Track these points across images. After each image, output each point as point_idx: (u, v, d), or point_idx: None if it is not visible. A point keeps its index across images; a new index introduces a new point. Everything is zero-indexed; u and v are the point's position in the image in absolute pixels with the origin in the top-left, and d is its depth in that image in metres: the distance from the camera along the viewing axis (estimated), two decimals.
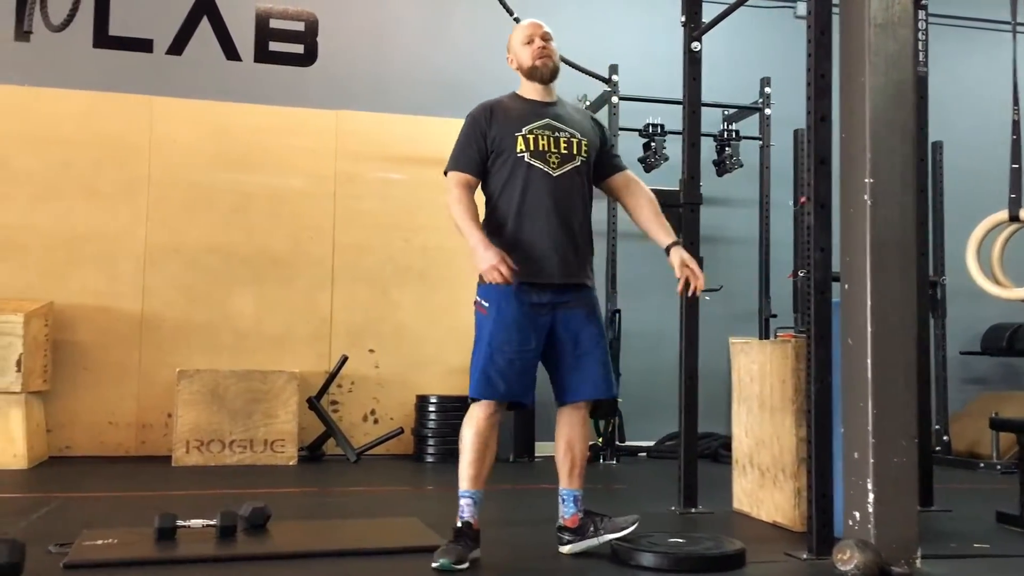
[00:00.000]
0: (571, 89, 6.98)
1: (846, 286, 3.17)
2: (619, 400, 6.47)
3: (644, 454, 6.96)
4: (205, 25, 6.75)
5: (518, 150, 3.26)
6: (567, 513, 3.44)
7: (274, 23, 6.91)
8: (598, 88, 6.95)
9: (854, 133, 3.15)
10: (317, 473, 6.00)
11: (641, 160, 6.92)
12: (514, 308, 3.23)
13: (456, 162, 3.37)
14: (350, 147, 6.91)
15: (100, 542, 3.04)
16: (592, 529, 3.37)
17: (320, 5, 7.01)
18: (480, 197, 3.45)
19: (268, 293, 6.68)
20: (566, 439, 3.41)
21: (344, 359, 6.51)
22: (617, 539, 3.33)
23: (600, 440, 6.53)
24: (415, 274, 6.95)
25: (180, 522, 3.20)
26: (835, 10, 3.57)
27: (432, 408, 6.55)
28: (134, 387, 6.42)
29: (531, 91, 3.43)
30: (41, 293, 6.25)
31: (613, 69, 6.80)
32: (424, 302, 6.94)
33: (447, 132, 6.91)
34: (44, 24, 4.84)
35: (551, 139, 3.31)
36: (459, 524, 3.23)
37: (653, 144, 6.80)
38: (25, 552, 2.67)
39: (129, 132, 6.53)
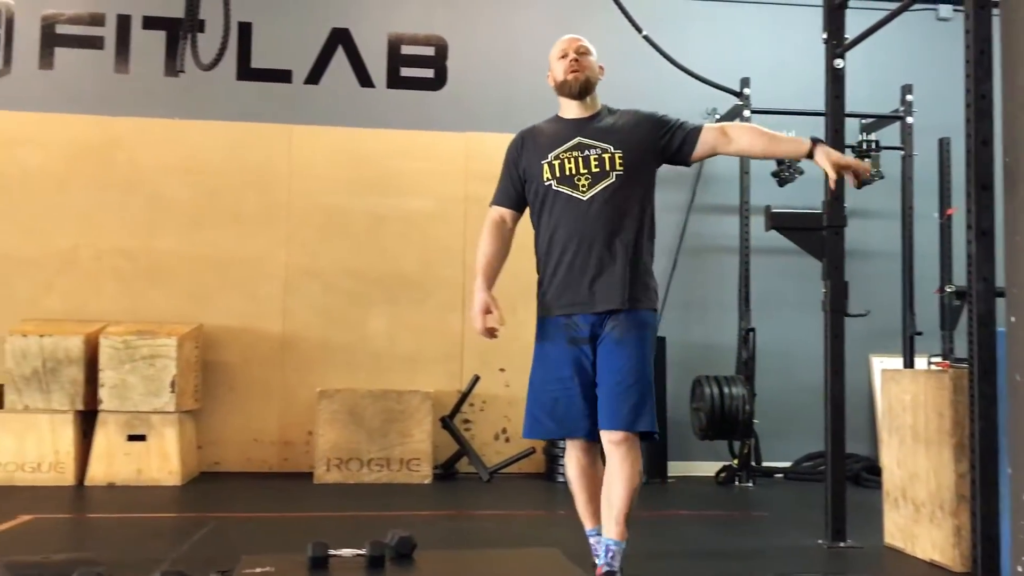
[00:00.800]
0: (700, 103, 6.90)
1: (1012, 318, 2.99)
2: (755, 421, 6.31)
3: (781, 475, 6.77)
4: (340, 54, 6.95)
5: (544, 179, 3.17)
6: (598, 562, 3.18)
7: (405, 49, 7.06)
8: (728, 102, 6.82)
9: (1020, 156, 2.97)
10: (452, 493, 6.07)
11: (775, 175, 6.75)
12: (552, 344, 3.15)
13: (495, 195, 3.36)
14: (479, 168, 6.98)
15: (259, 570, 3.15)
16: None
17: (449, 29, 7.12)
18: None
19: (401, 314, 6.82)
20: (605, 477, 3.12)
21: (476, 379, 6.58)
22: None
23: (735, 462, 6.39)
24: None
25: (332, 551, 3.29)
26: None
27: None
28: (276, 405, 6.66)
29: (568, 109, 3.31)
30: (191, 316, 6.56)
31: (744, 82, 6.65)
32: None
33: None
34: (195, 63, 5.06)
35: (579, 160, 3.15)
36: (605, 571, 3.08)
37: (787, 159, 6.61)
38: None
39: (270, 160, 6.79)
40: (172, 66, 6.68)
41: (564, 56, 3.28)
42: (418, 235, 6.88)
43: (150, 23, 6.81)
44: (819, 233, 4.12)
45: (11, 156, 6.57)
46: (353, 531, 4.44)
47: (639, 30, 6.23)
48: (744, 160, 6.69)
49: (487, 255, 3.29)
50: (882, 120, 6.94)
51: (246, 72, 6.82)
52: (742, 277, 6.72)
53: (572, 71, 3.25)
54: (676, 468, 6.69)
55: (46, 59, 6.72)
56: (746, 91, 6.63)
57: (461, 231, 6.93)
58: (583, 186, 3.13)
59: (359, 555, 3.30)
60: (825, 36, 4.24)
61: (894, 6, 4.07)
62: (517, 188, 3.28)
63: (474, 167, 6.97)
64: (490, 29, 7.17)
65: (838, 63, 4.19)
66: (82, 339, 6.00)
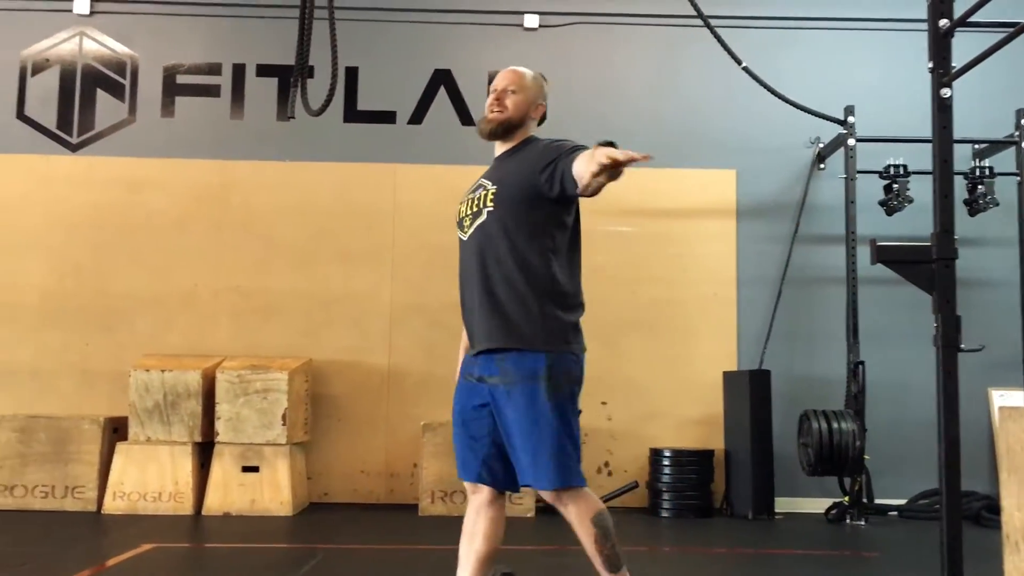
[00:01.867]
0: (804, 132, 6.82)
1: None
2: (866, 457, 6.12)
3: (895, 513, 6.54)
4: (442, 94, 7.13)
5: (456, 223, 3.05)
6: None
7: None
8: (832, 130, 6.70)
9: None
10: (554, 527, 6.06)
11: (882, 203, 6.59)
12: (459, 383, 3.04)
13: None
14: (580, 203, 7.03)
15: None
16: None
17: (547, 66, 7.17)
18: None
19: None
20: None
21: (578, 414, 6.57)
22: None
23: (846, 499, 6.21)
24: (643, 326, 6.95)
25: None
26: None
27: (666, 462, 6.49)
28: (383, 438, 6.82)
29: (496, 146, 3.14)
30: (301, 350, 6.79)
31: (849, 110, 6.53)
32: (653, 354, 6.93)
33: (674, 183, 6.98)
34: (304, 110, 5.28)
35: (469, 201, 3.03)
36: None
37: (895, 186, 6.45)
38: None
39: (376, 199, 7.00)
40: (284, 111, 6.99)
41: (492, 91, 3.08)
42: None
43: (263, 71, 7.13)
44: (928, 266, 4.00)
45: (137, 200, 6.95)
46: (455, 565, 4.51)
47: (739, 62, 6.20)
48: (850, 188, 6.55)
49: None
50: (996, 145, 6.71)
51: (353, 114, 7.05)
52: (850, 308, 6.55)
53: (491, 111, 3.06)
54: (783, 504, 6.55)
55: (167, 108, 7.11)
56: (851, 119, 6.51)
57: None
58: (466, 226, 3.03)
59: None
60: (931, 66, 4.14)
61: (1005, 32, 3.96)
62: None
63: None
64: (589, 65, 7.24)
65: (945, 92, 4.08)
66: (200, 373, 6.28)
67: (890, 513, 6.52)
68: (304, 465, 6.59)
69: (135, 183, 6.96)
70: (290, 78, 6.86)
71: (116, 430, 6.43)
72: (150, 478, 6.16)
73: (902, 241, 4.51)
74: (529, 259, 2.87)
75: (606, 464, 6.83)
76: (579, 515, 2.82)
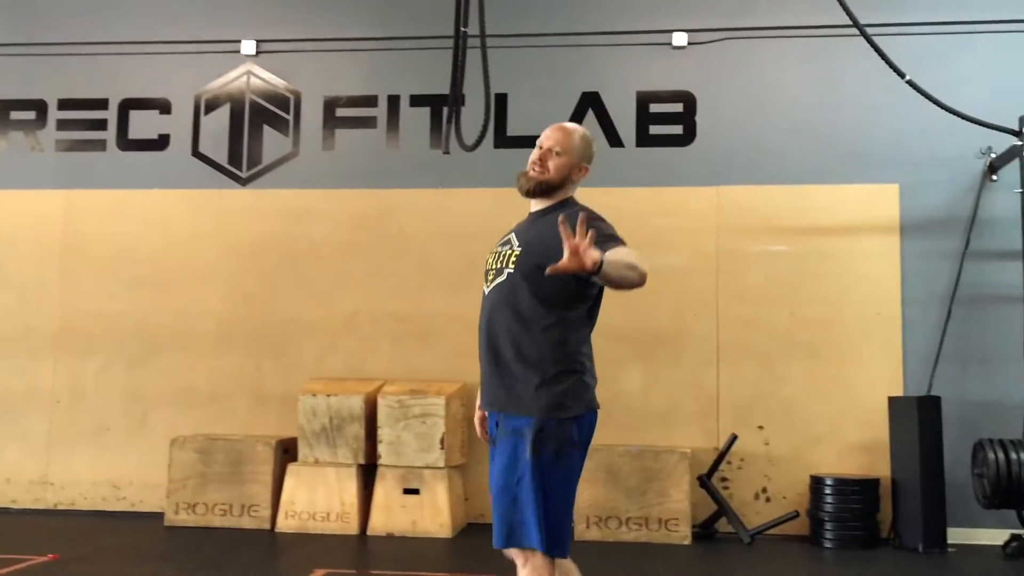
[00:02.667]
0: (974, 142, 6.49)
1: None
2: None
3: None
4: (590, 116, 7.13)
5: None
6: None
7: (653, 107, 7.13)
8: (1005, 140, 6.33)
9: None
10: (712, 556, 6.01)
11: None
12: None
13: None
14: (731, 222, 6.92)
15: None
16: None
17: (698, 84, 7.12)
18: None
19: (654, 370, 6.86)
20: None
21: (733, 438, 6.48)
22: None
23: None
24: (803, 348, 6.75)
25: None
26: None
27: (828, 490, 6.29)
28: None
29: (533, 203, 3.11)
30: (456, 374, 6.94)
31: (1023, 121, 6.15)
32: (814, 377, 6.72)
33: (833, 199, 6.76)
34: (459, 145, 5.43)
35: (496, 255, 3.01)
36: None
37: None
38: None
39: None
40: (436, 140, 7.18)
41: (537, 147, 3.07)
42: (671, 291, 6.89)
43: (416, 101, 7.33)
44: None
45: (301, 230, 7.29)
46: None
47: (902, 75, 5.94)
48: None
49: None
50: None
51: (503, 140, 7.16)
52: None
53: (533, 169, 3.06)
54: (957, 535, 6.24)
55: (328, 140, 7.41)
56: None
57: (714, 285, 6.88)
58: (489, 279, 3.00)
59: None
60: None
61: None
62: None
63: (725, 222, 6.92)
64: (740, 81, 7.08)
65: None
66: (362, 398, 6.53)
67: None
68: (462, 487, 6.75)
69: (299, 213, 7.29)
70: (442, 107, 7.07)
71: (287, 451, 6.77)
72: (319, 498, 6.45)
73: None
74: (537, 325, 2.87)
75: (764, 490, 6.68)
76: None
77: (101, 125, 7.60)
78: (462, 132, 5.96)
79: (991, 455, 5.79)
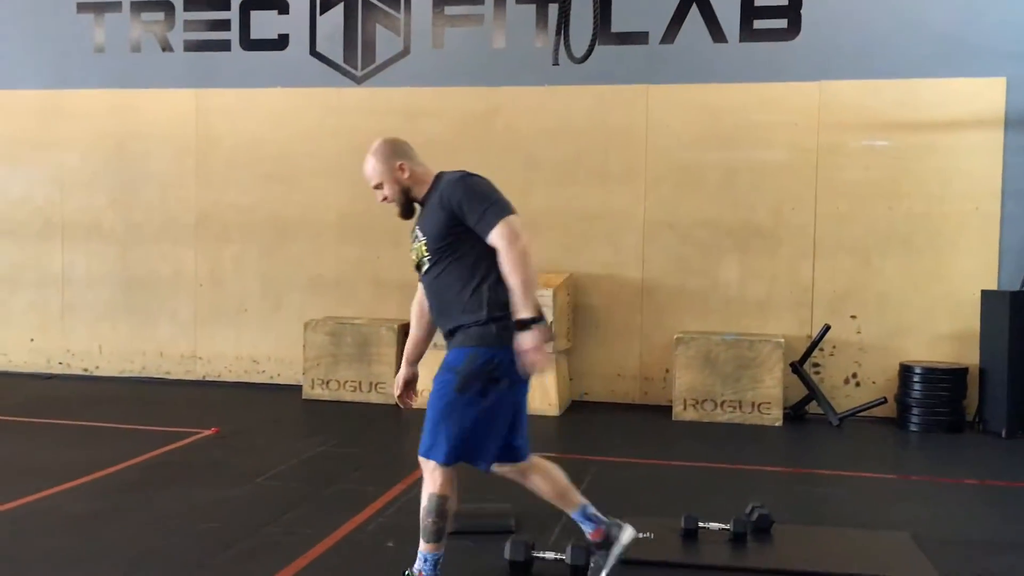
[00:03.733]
0: None
1: None
2: None
3: None
4: (694, 12, 7.21)
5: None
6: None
7: (758, 0, 7.16)
8: None
9: None
10: (801, 436, 6.48)
11: None
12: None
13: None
14: (832, 118, 7.03)
15: (640, 535, 3.85)
16: None
17: None
18: None
19: (752, 262, 7.18)
20: None
21: (826, 328, 6.81)
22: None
23: None
24: (899, 241, 6.96)
25: (701, 524, 3.91)
26: None
27: (917, 378, 6.63)
28: (637, 345, 7.39)
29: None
30: (562, 265, 7.40)
31: None
32: (908, 269, 6.95)
33: (939, 93, 6.81)
34: (568, 57, 5.68)
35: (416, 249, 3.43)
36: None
37: None
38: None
39: (628, 120, 7.33)
40: (543, 37, 7.41)
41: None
42: (770, 186, 7.13)
43: None
44: None
45: (415, 127, 7.60)
46: (712, 486, 5.06)
47: None
48: None
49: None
50: None
51: (607, 37, 7.29)
52: None
53: (385, 203, 3.55)
54: None
55: (437, 39, 7.70)
56: None
57: (812, 180, 7.07)
58: (422, 270, 3.42)
59: (724, 529, 3.89)
60: None
61: None
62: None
63: (827, 117, 7.04)
64: None
65: None
66: None
67: None
68: (567, 369, 7.32)
69: (411, 111, 7.67)
70: (548, 4, 7.27)
71: (407, 334, 7.38)
72: None
73: None
74: (457, 285, 3.37)
75: (854, 375, 7.06)
76: (429, 487, 3.28)
77: (225, 25, 8.03)
78: (572, 51, 6.16)
79: None
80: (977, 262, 6.83)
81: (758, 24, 7.17)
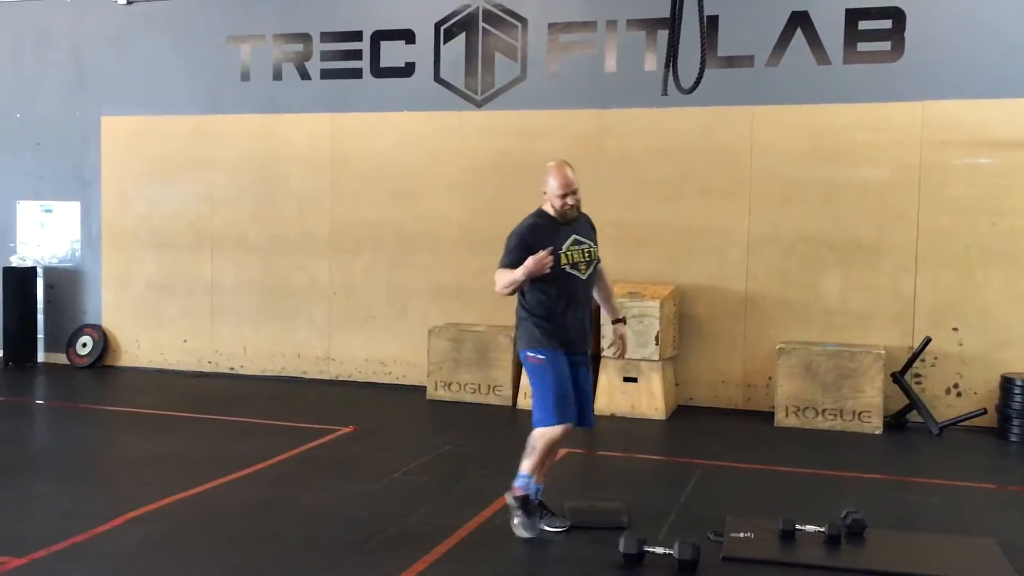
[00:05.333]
0: None
1: None
2: None
3: None
4: (799, 35, 7.53)
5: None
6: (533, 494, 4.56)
7: (862, 24, 7.41)
8: None
9: None
10: (901, 447, 6.75)
11: None
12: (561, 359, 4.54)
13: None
14: (935, 136, 7.25)
15: (742, 535, 4.30)
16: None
17: None
18: None
19: (854, 276, 7.46)
20: None
21: (927, 340, 7.05)
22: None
23: None
24: (1001, 256, 7.14)
25: (798, 526, 4.32)
26: None
27: (1018, 389, 6.81)
28: (740, 353, 7.77)
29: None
30: (667, 276, 7.84)
31: None
32: (1010, 284, 7.12)
33: None
34: (677, 88, 6.10)
35: (580, 251, 4.51)
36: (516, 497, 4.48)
37: None
38: (700, 552, 4.01)
39: (734, 140, 7.70)
40: (652, 60, 7.86)
41: (571, 195, 4.53)
42: (872, 202, 7.39)
43: (632, 25, 7.97)
44: None
45: (529, 147, 8.24)
46: (810, 491, 5.44)
47: None
48: None
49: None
50: None
51: (714, 61, 7.68)
52: None
53: (574, 208, 4.58)
54: None
55: (552, 64, 8.23)
56: None
57: (915, 197, 7.31)
58: (583, 269, 4.52)
59: (819, 532, 4.30)
60: None
61: None
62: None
63: (930, 135, 7.26)
64: None
65: None
66: None
67: None
68: (673, 375, 7.75)
69: (528, 132, 8.23)
70: (657, 29, 7.71)
71: None
72: None
73: None
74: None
75: (955, 386, 7.27)
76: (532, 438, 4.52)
77: (357, 55, 8.74)
78: (681, 83, 6.57)
79: None
80: None
81: (862, 47, 7.43)
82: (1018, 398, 6.82)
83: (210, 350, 9.27)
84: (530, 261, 4.30)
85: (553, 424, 4.40)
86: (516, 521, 4.49)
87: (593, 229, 4.70)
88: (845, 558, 4.14)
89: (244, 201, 9.10)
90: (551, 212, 4.58)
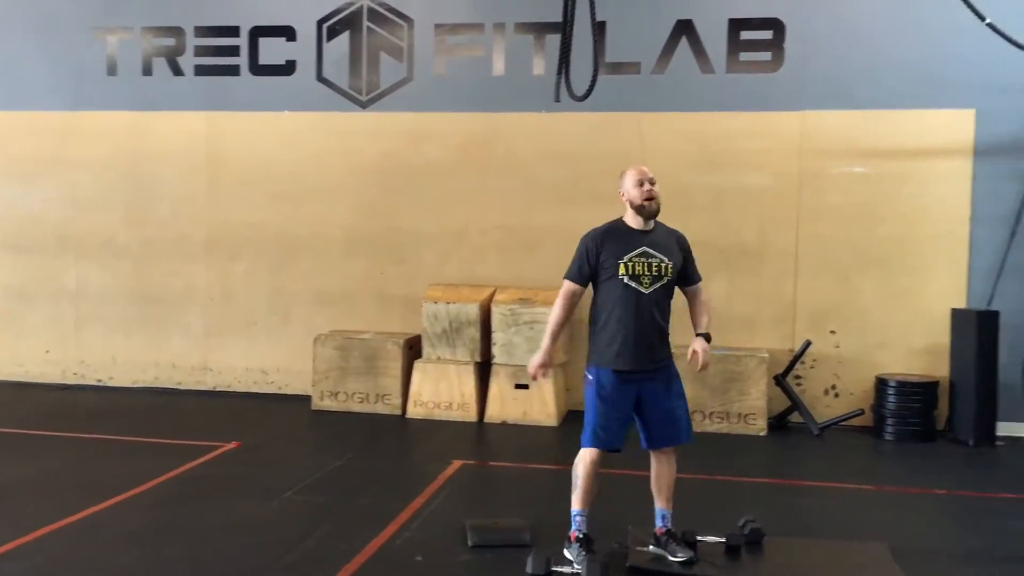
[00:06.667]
0: None
1: None
2: None
3: None
4: (684, 44, 7.64)
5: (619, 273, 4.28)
6: (657, 524, 4.31)
7: (744, 34, 7.58)
8: None
9: None
10: (784, 445, 6.94)
11: None
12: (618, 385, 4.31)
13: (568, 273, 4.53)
14: (814, 145, 7.49)
15: (641, 548, 4.29)
16: (665, 543, 4.26)
17: (787, 11, 7.53)
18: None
19: (739, 280, 7.63)
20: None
21: (807, 344, 7.28)
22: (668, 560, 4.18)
23: None
24: (876, 262, 7.43)
25: (699, 537, 4.34)
26: None
27: (891, 390, 7.11)
28: None
29: (634, 221, 4.39)
30: (559, 282, 7.74)
31: None
32: (884, 289, 7.42)
33: (913, 124, 7.26)
34: (569, 95, 6.07)
35: (645, 264, 4.27)
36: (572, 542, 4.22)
37: None
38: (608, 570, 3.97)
39: (623, 145, 7.75)
40: (541, 65, 7.83)
41: (640, 185, 4.36)
42: (755, 208, 7.58)
43: (520, 28, 7.91)
44: None
45: (417, 150, 8.09)
46: (705, 497, 5.49)
47: (982, 18, 6.31)
48: None
49: (559, 322, 4.42)
50: None
51: (601, 66, 7.69)
52: None
53: (653, 202, 4.38)
54: (1005, 428, 7.05)
55: (439, 66, 8.08)
56: None
57: (795, 204, 7.53)
58: (646, 283, 4.29)
59: (720, 542, 4.33)
60: None
61: None
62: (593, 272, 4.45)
63: (809, 144, 7.49)
64: (828, 9, 7.47)
65: None
66: (478, 306, 7.49)
67: None
68: (563, 380, 7.74)
69: (415, 135, 8.07)
70: (546, 34, 7.69)
71: (411, 348, 7.82)
72: (442, 391, 7.53)
73: None
74: (669, 314, 4.41)
75: (833, 387, 7.53)
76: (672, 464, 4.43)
77: (234, 51, 8.37)
78: (573, 90, 6.55)
79: None
80: (948, 282, 7.32)
81: (743, 56, 7.60)
82: (891, 398, 7.11)
83: (75, 360, 8.70)
84: (533, 362, 4.37)
85: (588, 447, 4.27)
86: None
87: (681, 248, 4.45)
88: (747, 570, 4.18)
89: (113, 203, 8.58)
90: (629, 220, 4.45)
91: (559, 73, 6.19)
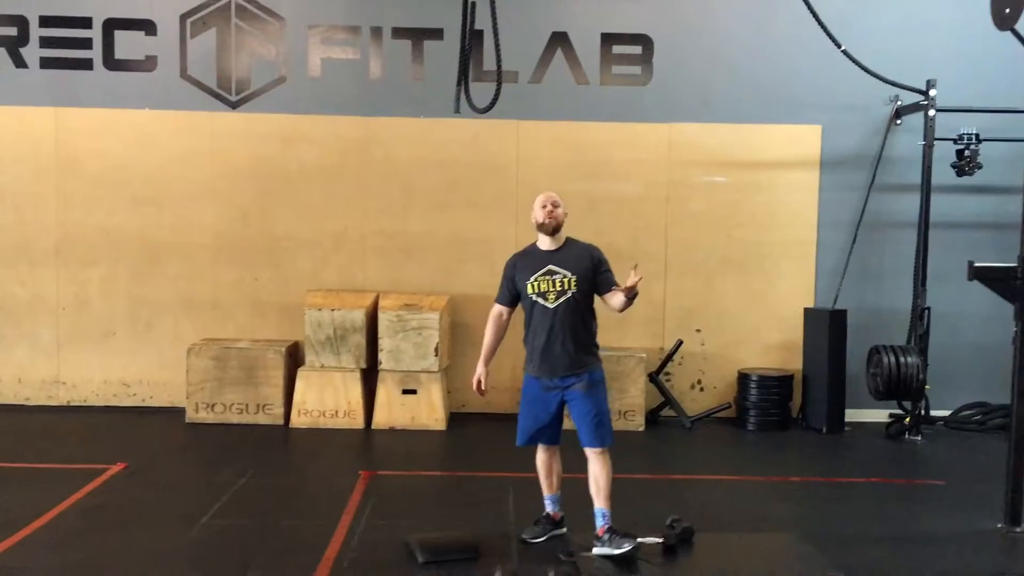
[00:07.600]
0: (885, 91, 7.60)
1: None
2: (927, 387, 7.33)
3: (943, 424, 7.81)
4: (559, 55, 7.89)
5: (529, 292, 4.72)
6: (598, 525, 4.62)
7: (616, 48, 7.93)
8: (911, 96, 7.52)
9: None
10: (661, 438, 7.38)
11: (954, 166, 7.49)
12: (535, 391, 4.85)
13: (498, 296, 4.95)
14: (681, 156, 7.96)
15: (586, 555, 4.49)
16: (608, 539, 4.54)
17: (652, 27, 7.93)
18: None
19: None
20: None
21: (679, 343, 7.76)
22: (616, 554, 4.47)
23: (907, 420, 7.46)
24: (735, 265, 8.01)
25: (640, 538, 4.59)
26: None
27: (752, 384, 7.71)
28: (510, 360, 7.97)
29: (544, 241, 4.86)
30: (439, 286, 7.90)
31: (930, 84, 7.32)
32: (743, 289, 8.02)
33: (767, 137, 7.89)
34: (471, 108, 6.15)
35: (549, 280, 4.71)
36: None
37: (967, 153, 7.33)
38: None
39: (501, 152, 7.92)
40: (419, 71, 7.83)
41: (550, 205, 4.83)
42: (627, 215, 7.96)
43: (398, 33, 7.89)
44: (1013, 283, 5.03)
45: (291, 153, 7.90)
46: (621, 496, 5.75)
47: (838, 45, 6.98)
48: (927, 154, 7.45)
49: (487, 343, 4.92)
50: None
51: (479, 74, 7.82)
52: (919, 255, 7.53)
53: (550, 217, 4.81)
54: (851, 415, 7.80)
55: (313, 68, 7.91)
56: (932, 92, 7.30)
57: (664, 211, 7.97)
58: (551, 298, 4.70)
59: (657, 543, 4.61)
60: None
61: None
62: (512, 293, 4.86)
63: (676, 155, 7.95)
64: (692, 28, 7.94)
65: None
66: (363, 312, 7.44)
67: (938, 424, 7.79)
68: (446, 383, 7.83)
69: (289, 137, 7.88)
70: (423, 40, 7.71)
71: (291, 355, 7.65)
72: (327, 398, 7.43)
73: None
74: (588, 324, 4.83)
75: (698, 382, 8.06)
76: (603, 465, 4.73)
77: (86, 44, 7.82)
78: (474, 102, 6.60)
79: (885, 359, 7.26)
80: (798, 283, 8.01)
81: (616, 70, 7.95)
82: (753, 391, 7.71)
83: None
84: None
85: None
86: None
87: (591, 258, 4.85)
88: (689, 568, 4.49)
89: None
90: (540, 242, 4.84)
91: (459, 84, 6.26)
